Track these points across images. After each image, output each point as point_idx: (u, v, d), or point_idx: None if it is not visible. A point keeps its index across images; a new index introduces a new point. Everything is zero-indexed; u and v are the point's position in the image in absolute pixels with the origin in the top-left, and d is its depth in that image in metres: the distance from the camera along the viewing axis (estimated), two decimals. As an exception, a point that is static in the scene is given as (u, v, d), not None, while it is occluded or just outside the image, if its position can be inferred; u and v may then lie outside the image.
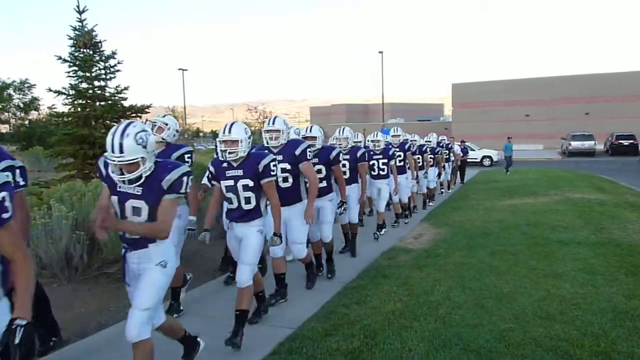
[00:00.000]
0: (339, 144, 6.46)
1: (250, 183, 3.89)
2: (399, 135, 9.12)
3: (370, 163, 7.59)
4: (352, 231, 6.73)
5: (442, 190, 13.93)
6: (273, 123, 4.69)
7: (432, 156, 11.26)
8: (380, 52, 39.90)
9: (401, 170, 8.56)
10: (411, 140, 10.07)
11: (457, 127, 47.19)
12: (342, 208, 5.80)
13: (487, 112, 45.62)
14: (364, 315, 4.40)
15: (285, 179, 4.67)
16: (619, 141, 32.20)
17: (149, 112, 8.56)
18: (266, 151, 4.38)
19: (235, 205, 3.98)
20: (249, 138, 3.96)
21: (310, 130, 5.46)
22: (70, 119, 7.84)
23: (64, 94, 7.95)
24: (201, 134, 67.66)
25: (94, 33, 7.92)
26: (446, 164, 13.42)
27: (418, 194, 10.69)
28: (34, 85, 31.52)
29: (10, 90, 30.40)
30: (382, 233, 7.90)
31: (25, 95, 30.72)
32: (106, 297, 5.15)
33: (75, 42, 7.84)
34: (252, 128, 29.17)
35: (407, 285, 5.21)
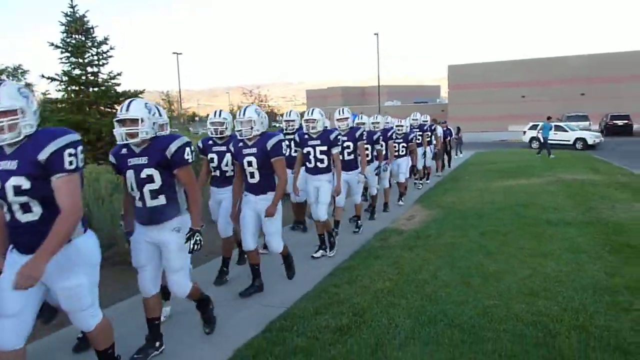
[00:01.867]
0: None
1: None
2: (347, 119, 6.64)
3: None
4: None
5: (417, 180, 11.73)
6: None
7: (404, 144, 9.46)
8: (376, 34, 39.69)
9: (349, 165, 6.59)
10: (358, 123, 7.92)
11: (453, 109, 47.23)
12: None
13: (483, 94, 45.60)
14: (353, 294, 4.53)
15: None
16: (614, 121, 32.29)
17: (142, 98, 8.61)
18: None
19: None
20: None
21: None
22: (64, 105, 7.90)
23: (57, 80, 7.98)
24: (197, 118, 67.42)
25: (85, 19, 7.92)
26: (427, 149, 12.15)
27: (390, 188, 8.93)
28: (28, 71, 31.35)
29: (4, 76, 30.30)
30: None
31: (20, 81, 30.54)
32: (107, 279, 5.24)
33: (67, 28, 7.85)
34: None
35: (397, 265, 5.34)
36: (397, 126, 9.46)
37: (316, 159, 5.71)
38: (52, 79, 7.99)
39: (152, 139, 3.31)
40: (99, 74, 8.22)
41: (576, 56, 44.43)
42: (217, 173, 5.04)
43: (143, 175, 3.28)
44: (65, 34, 7.91)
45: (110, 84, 8.22)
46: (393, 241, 6.47)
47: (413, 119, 11.48)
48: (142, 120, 3.19)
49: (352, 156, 6.60)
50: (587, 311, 3.90)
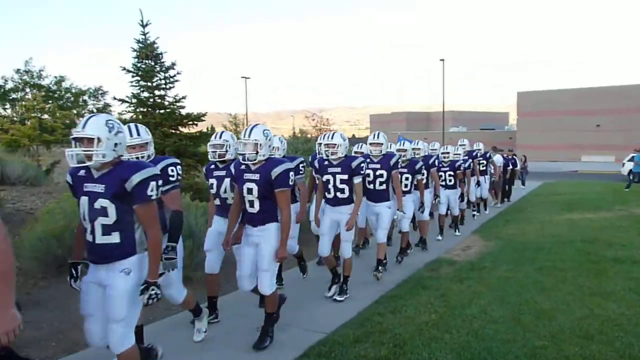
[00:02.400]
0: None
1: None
2: (380, 144, 6.00)
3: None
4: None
5: (474, 212, 11.11)
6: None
7: (451, 173, 8.71)
8: (442, 60, 39.34)
9: (380, 197, 5.98)
10: (399, 150, 6.82)
11: (522, 136, 45.69)
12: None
13: (554, 122, 43.86)
14: (397, 324, 4.44)
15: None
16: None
17: (204, 120, 9.00)
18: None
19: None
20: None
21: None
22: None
23: (127, 102, 8.50)
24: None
25: (155, 45, 8.43)
26: (482, 178, 11.07)
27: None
28: (107, 92, 33.57)
29: (86, 97, 32.64)
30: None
31: (99, 101, 32.82)
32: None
33: (138, 53, 8.37)
34: (309, 135, 29.46)
35: (445, 297, 5.19)
36: (442, 153, 8.74)
37: (336, 189, 5.11)
38: (123, 101, 8.51)
39: (117, 163, 2.88)
40: (165, 97, 8.67)
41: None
42: (217, 201, 4.50)
43: (97, 205, 2.81)
44: (136, 59, 8.43)
45: (175, 106, 8.64)
46: (444, 272, 6.30)
47: (460, 144, 10.03)
48: (99, 140, 2.75)
49: (383, 186, 5.87)
50: (648, 360, 3.62)
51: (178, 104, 8.65)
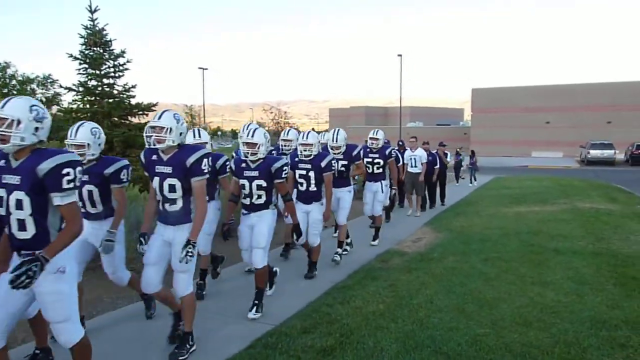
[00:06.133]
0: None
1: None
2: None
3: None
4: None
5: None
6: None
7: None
8: (400, 55, 39.82)
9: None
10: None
11: (476, 132, 46.86)
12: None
13: (506, 118, 45.17)
14: (345, 314, 4.49)
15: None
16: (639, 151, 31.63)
17: (155, 110, 8.78)
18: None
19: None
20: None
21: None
22: (79, 115, 8.10)
23: (74, 90, 8.21)
24: (219, 133, 68.22)
25: (104, 32, 8.17)
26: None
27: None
28: (57, 80, 32.29)
29: (34, 85, 31.31)
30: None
31: (48, 90, 31.56)
32: (101, 289, 5.30)
33: (86, 40, 8.09)
34: (267, 128, 29.33)
35: (394, 288, 5.28)
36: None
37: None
38: (70, 89, 8.22)
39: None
40: (115, 86, 8.42)
41: (600, 83, 43.80)
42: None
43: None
44: (84, 46, 8.14)
45: (124, 96, 8.40)
46: (394, 263, 6.40)
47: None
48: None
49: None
50: (581, 345, 3.78)
51: (128, 93, 8.42)
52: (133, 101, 8.49)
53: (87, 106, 8.10)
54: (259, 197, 4.61)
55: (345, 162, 6.37)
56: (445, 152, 13.98)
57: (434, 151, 12.05)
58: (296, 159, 5.62)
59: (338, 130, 6.41)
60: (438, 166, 11.74)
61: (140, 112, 8.48)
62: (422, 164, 10.59)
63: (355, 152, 6.43)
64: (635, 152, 31.73)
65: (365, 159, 7.20)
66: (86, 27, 8.12)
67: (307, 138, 5.51)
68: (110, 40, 8.25)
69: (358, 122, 70.00)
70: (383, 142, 7.55)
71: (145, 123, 8.70)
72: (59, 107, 16.44)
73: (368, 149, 7.37)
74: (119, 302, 4.95)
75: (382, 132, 7.62)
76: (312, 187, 5.58)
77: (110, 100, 8.30)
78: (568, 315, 4.42)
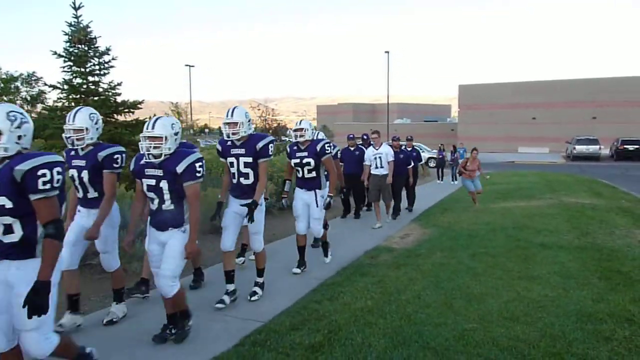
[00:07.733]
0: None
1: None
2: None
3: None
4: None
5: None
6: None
7: None
8: (387, 52, 39.89)
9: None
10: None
11: (462, 128, 47.11)
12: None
13: (493, 114, 45.49)
14: (333, 311, 4.49)
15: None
16: (624, 146, 32.06)
17: (141, 108, 8.72)
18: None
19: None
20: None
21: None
22: (64, 113, 8.00)
23: (59, 88, 8.11)
24: (206, 130, 67.83)
25: (89, 29, 8.07)
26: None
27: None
28: (41, 78, 31.79)
29: (18, 83, 30.81)
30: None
31: (32, 88, 31.06)
32: (88, 288, 5.26)
33: (70, 37, 7.99)
34: (255, 125, 29.24)
35: (382, 284, 5.30)
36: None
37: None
38: (54, 87, 8.12)
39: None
40: (100, 84, 8.33)
41: (585, 79, 44.27)
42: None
43: None
44: (68, 43, 8.04)
45: (109, 93, 8.31)
46: (382, 259, 6.43)
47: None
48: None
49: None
50: (566, 338, 3.82)
51: (113, 90, 8.33)
52: (119, 99, 8.41)
53: (72, 104, 8.00)
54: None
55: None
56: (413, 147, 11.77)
57: (409, 149, 11.10)
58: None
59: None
60: (412, 165, 10.54)
61: (126, 110, 8.39)
62: (388, 162, 8.91)
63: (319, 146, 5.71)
64: (620, 148, 32.15)
65: (292, 160, 5.78)
66: (70, 24, 8.01)
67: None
68: (95, 38, 8.15)
69: (346, 119, 70.07)
70: (313, 135, 6.06)
71: (131, 121, 8.68)
72: (43, 105, 16.22)
73: (295, 147, 5.80)
74: (107, 301, 4.90)
75: (309, 122, 5.89)
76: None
77: (96, 98, 8.20)
78: (554, 309, 4.47)
